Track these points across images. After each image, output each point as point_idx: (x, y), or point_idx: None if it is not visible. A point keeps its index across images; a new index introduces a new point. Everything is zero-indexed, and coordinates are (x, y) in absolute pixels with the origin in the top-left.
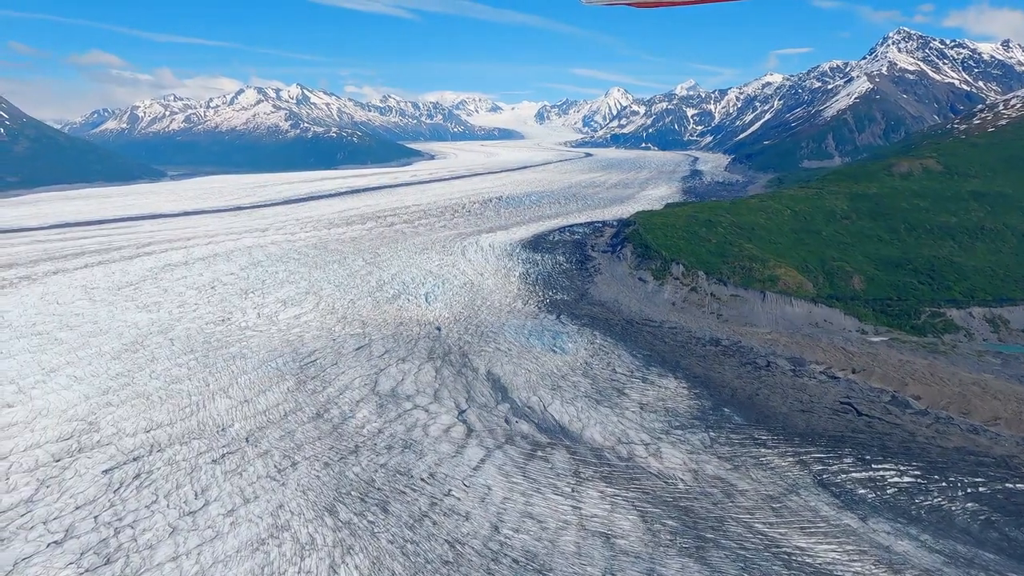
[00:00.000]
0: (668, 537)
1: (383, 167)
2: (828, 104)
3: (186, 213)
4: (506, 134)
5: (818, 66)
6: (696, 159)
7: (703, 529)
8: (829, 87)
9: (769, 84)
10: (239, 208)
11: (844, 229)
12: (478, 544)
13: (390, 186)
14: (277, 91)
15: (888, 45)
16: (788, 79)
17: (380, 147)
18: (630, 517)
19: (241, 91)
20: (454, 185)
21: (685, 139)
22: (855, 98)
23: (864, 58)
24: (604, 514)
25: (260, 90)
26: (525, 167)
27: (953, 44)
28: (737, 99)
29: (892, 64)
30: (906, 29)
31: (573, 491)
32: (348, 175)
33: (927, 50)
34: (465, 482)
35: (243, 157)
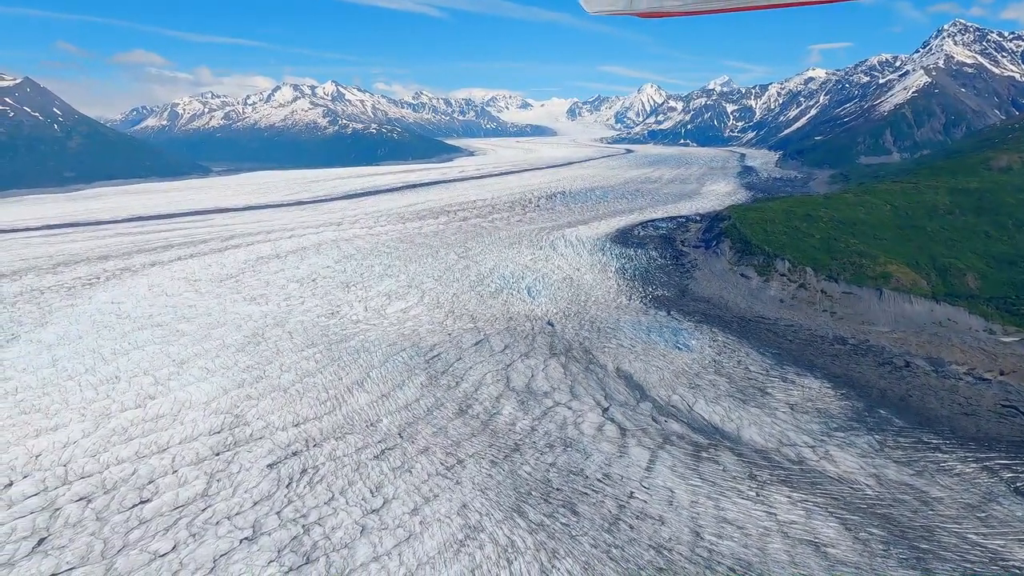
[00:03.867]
0: (880, 547)
1: (425, 163)
2: (883, 99)
3: (250, 207)
4: (538, 131)
5: (865, 60)
6: (743, 155)
7: (914, 539)
8: (881, 81)
9: (812, 79)
10: (300, 203)
11: (948, 225)
12: (685, 550)
13: (443, 181)
14: (312, 88)
15: (943, 38)
16: (833, 74)
17: (420, 143)
18: (831, 524)
19: (277, 88)
20: (507, 180)
21: (725, 135)
22: (912, 92)
23: (917, 51)
24: (802, 520)
25: (296, 87)
26: (570, 163)
27: (1012, 36)
28: (779, 94)
29: (949, 57)
30: (962, 21)
31: (758, 495)
32: (394, 171)
33: (985, 43)
34: (643, 483)
35: (283, 153)
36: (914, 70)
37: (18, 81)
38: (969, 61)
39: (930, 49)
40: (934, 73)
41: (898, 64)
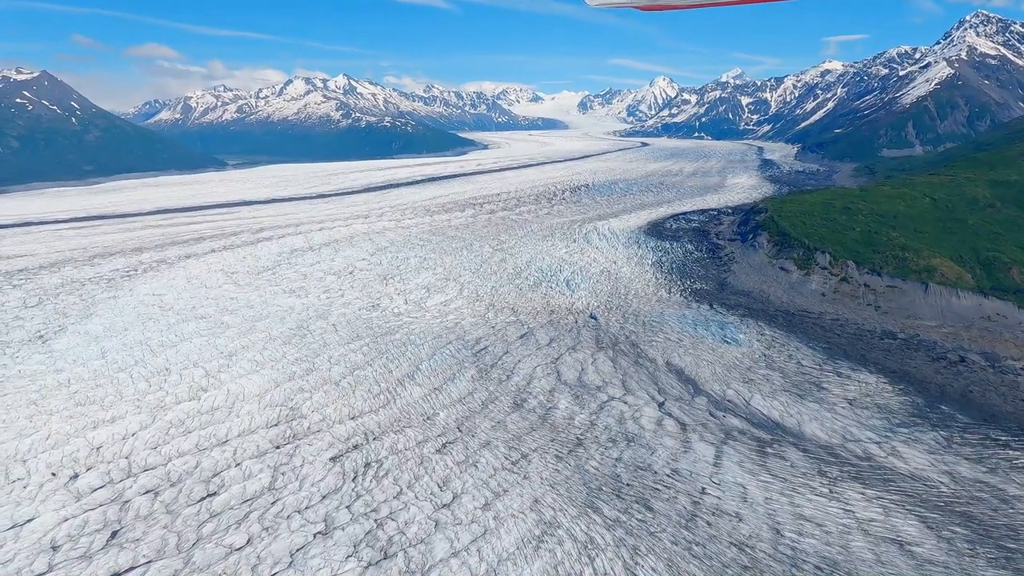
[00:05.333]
0: (966, 546)
1: (440, 156)
2: (904, 91)
3: (273, 200)
4: (550, 124)
5: (883, 52)
6: (760, 148)
7: (999, 538)
8: (901, 74)
9: (829, 71)
10: (322, 196)
11: (990, 218)
12: (767, 548)
13: (462, 175)
14: (324, 81)
15: (965, 29)
16: (850, 66)
17: (433, 136)
18: (911, 522)
19: (289, 82)
20: (527, 173)
21: (741, 128)
22: (935, 84)
23: (938, 43)
24: (881, 518)
25: (308, 80)
26: (586, 156)
27: None
28: (795, 87)
29: (971, 49)
30: (984, 12)
31: (831, 492)
32: (410, 164)
33: (1007, 34)
34: (713, 479)
35: (297, 147)
36: (936, 62)
37: (36, 75)
38: (992, 52)
39: (952, 40)
40: (956, 65)
41: (918, 56)
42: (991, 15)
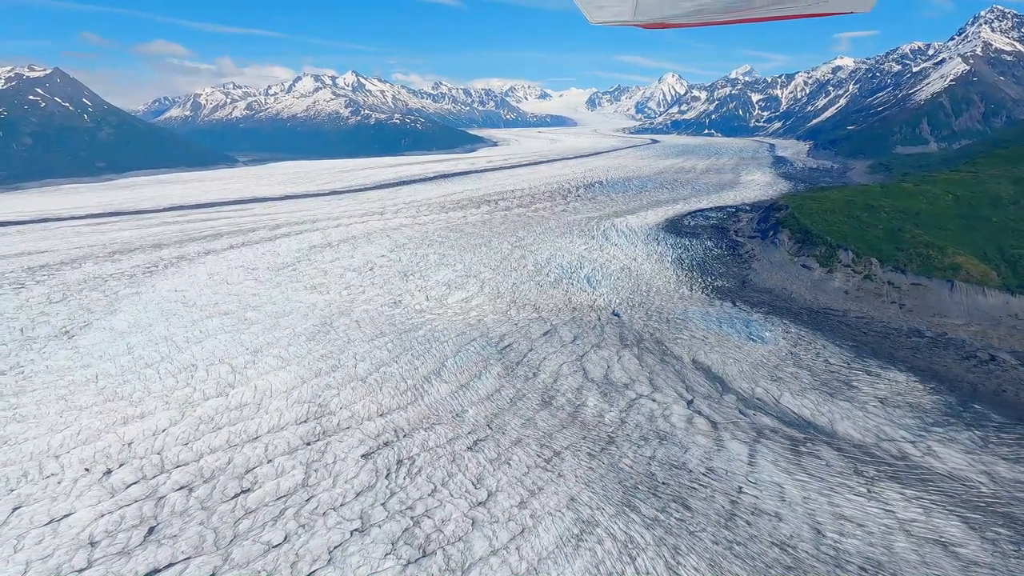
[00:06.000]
0: (1011, 547)
1: (450, 153)
2: (918, 87)
3: (287, 197)
4: (558, 121)
5: (896, 48)
6: (772, 145)
7: None
8: (914, 70)
9: (840, 68)
10: (335, 192)
11: (1014, 215)
12: (809, 548)
13: (474, 172)
14: (333, 79)
15: (980, 24)
16: (862, 63)
17: (443, 134)
18: (953, 523)
19: (298, 79)
20: (539, 170)
21: (751, 125)
22: (949, 81)
23: (952, 39)
24: (922, 519)
25: (316, 78)
26: (597, 153)
27: None
28: (806, 84)
29: (987, 44)
30: (999, 8)
31: (869, 491)
32: (421, 161)
33: (1023, 29)
34: (749, 478)
35: (307, 144)
36: (950, 58)
37: (49, 72)
38: (1008, 48)
39: (966, 36)
40: (971, 61)
41: (931, 52)
42: (1007, 10)
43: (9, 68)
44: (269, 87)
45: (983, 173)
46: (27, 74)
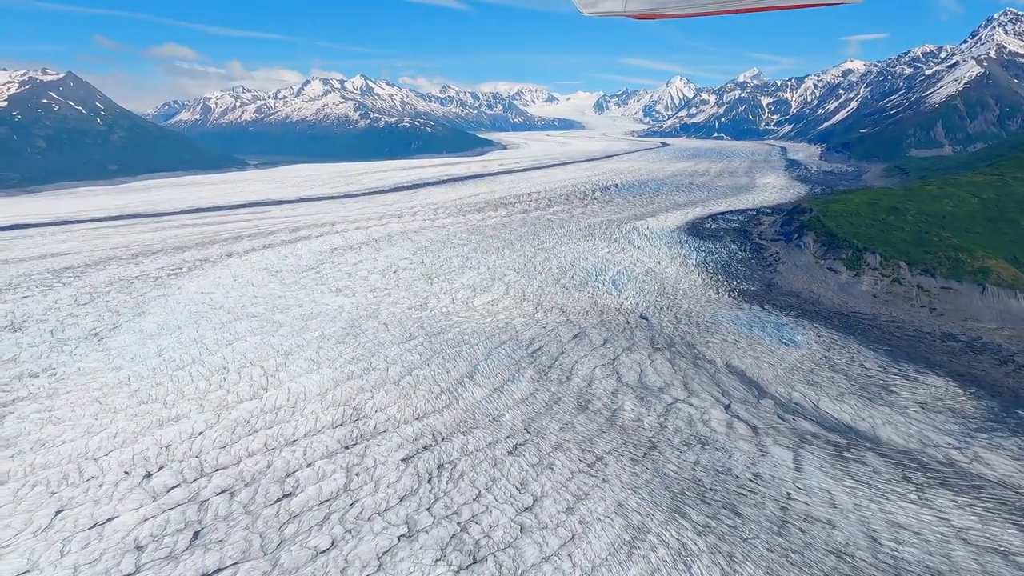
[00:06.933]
0: None
1: (460, 156)
2: (932, 90)
3: (302, 200)
4: (567, 124)
5: (908, 51)
6: (784, 149)
7: None
8: (927, 73)
9: (851, 71)
10: (350, 195)
11: None
12: (867, 556)
13: (487, 175)
14: (341, 82)
15: (994, 27)
16: (873, 65)
17: (452, 137)
18: (1010, 531)
19: (307, 82)
20: (552, 173)
21: (761, 128)
22: (964, 83)
23: (965, 41)
24: (978, 527)
25: (325, 81)
26: (608, 156)
27: None
28: (816, 87)
29: (1001, 47)
30: (1013, 10)
31: (920, 498)
32: (432, 164)
33: None
34: (797, 484)
35: (316, 147)
36: (964, 61)
37: (62, 76)
38: (1022, 51)
39: (980, 39)
40: (985, 63)
41: (943, 55)
42: (1020, 13)
43: (23, 72)
44: (278, 91)
45: (1008, 175)
46: (41, 78)
